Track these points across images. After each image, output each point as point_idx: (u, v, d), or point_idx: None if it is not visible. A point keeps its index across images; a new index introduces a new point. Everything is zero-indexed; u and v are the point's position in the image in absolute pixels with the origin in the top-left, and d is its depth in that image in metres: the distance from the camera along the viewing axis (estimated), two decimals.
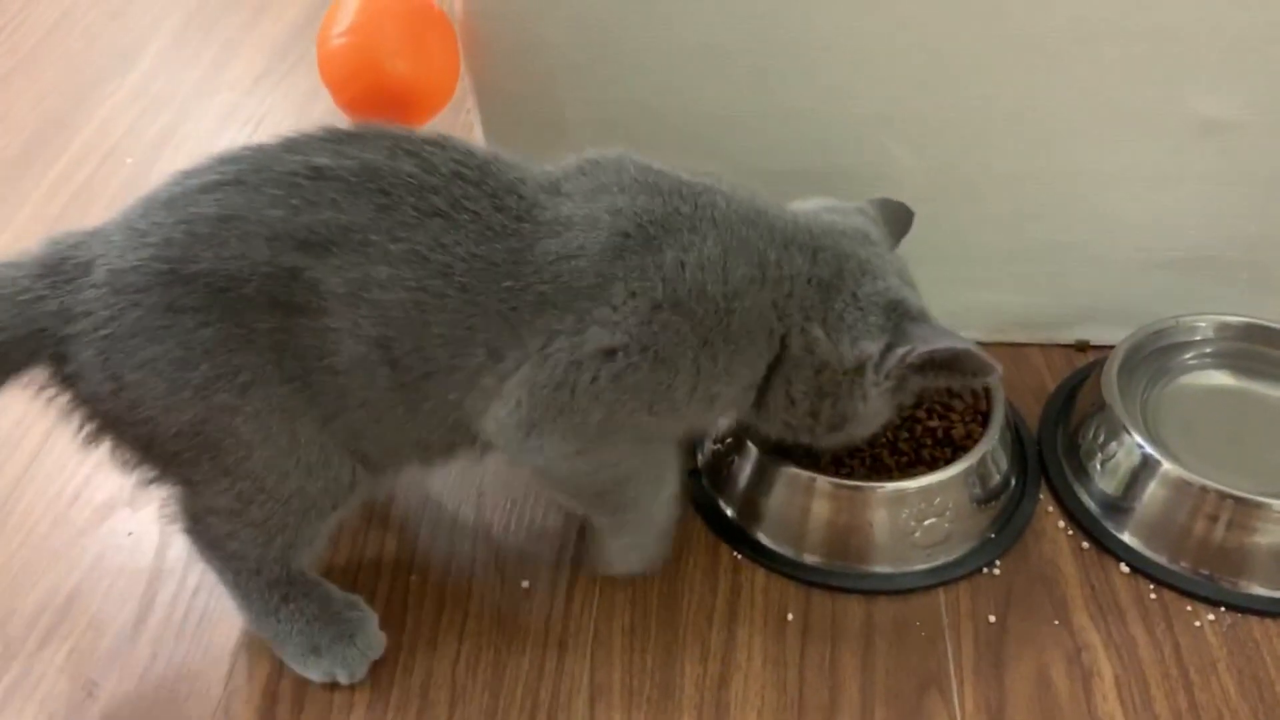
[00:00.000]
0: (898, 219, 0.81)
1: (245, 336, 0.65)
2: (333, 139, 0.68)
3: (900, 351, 0.69)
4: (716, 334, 0.68)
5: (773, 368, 0.72)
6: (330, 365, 0.67)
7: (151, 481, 0.71)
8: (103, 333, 0.65)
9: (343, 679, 0.74)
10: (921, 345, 0.69)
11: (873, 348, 0.70)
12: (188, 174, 0.68)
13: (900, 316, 0.70)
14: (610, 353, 0.67)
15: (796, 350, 0.71)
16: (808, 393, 0.72)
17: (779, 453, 0.82)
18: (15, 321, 0.65)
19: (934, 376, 0.71)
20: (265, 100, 1.38)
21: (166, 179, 0.69)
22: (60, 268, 0.66)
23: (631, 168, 0.71)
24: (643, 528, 0.78)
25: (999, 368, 0.69)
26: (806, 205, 0.77)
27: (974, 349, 0.69)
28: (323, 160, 0.66)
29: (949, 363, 0.70)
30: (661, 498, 0.77)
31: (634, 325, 0.66)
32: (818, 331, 0.70)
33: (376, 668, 0.76)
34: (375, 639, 0.76)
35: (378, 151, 0.67)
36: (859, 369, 0.71)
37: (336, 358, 0.66)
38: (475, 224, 0.66)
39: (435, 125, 0.94)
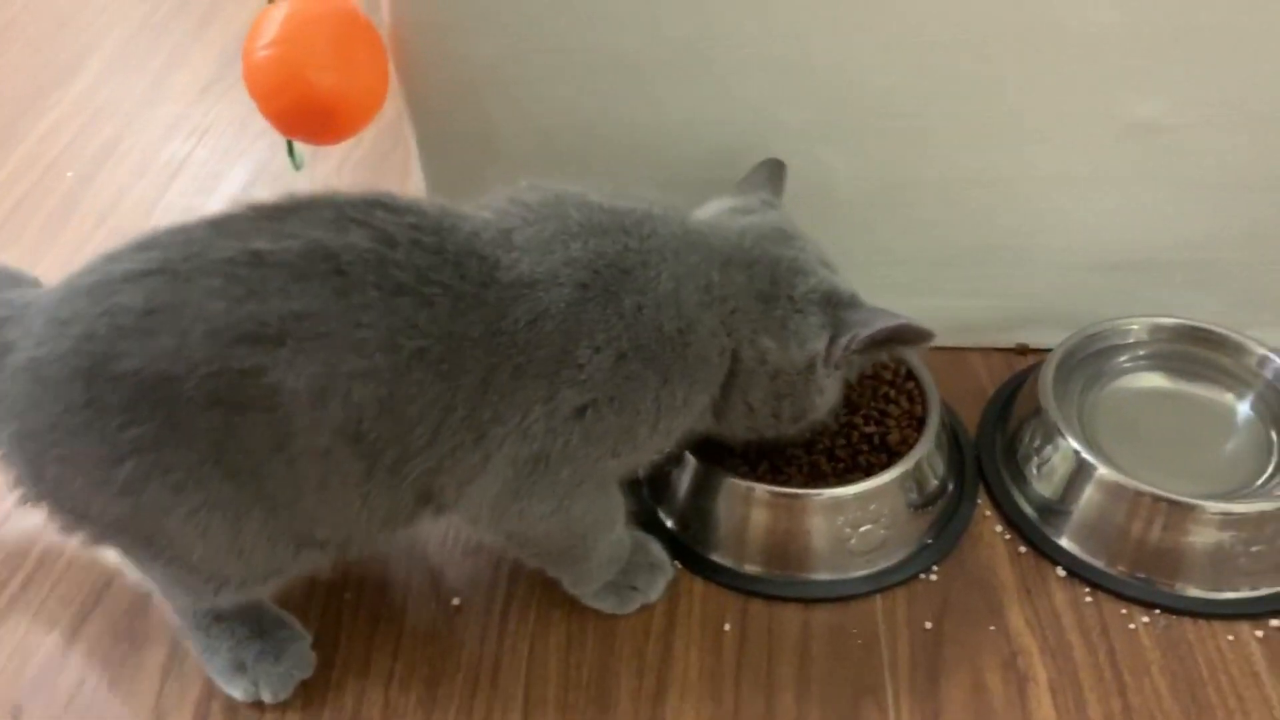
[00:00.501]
0: (775, 176, 0.83)
1: (179, 436, 0.60)
2: (266, 216, 0.63)
3: (843, 341, 0.72)
4: (675, 369, 0.69)
5: (727, 383, 0.73)
6: (286, 459, 0.62)
7: (92, 544, 0.69)
8: (20, 423, 0.62)
9: (266, 698, 0.73)
10: (862, 330, 0.71)
11: (819, 345, 0.72)
12: (110, 258, 0.63)
13: (835, 306, 0.73)
14: (581, 410, 0.66)
15: (749, 363, 0.72)
16: (766, 399, 0.74)
17: (715, 460, 0.82)
18: None
19: (877, 352, 0.75)
20: (211, 110, 1.37)
21: (90, 262, 0.64)
22: None
23: (573, 209, 0.69)
24: (599, 573, 0.78)
25: (934, 333, 0.71)
26: (708, 210, 0.77)
27: (908, 321, 0.71)
28: (261, 244, 0.60)
29: (889, 339, 0.72)
30: (610, 540, 0.77)
31: (600, 379, 0.66)
32: (768, 342, 0.72)
33: (308, 687, 0.75)
34: (304, 658, 0.75)
35: (322, 227, 0.61)
36: (810, 366, 0.73)
37: (293, 452, 0.62)
38: (445, 297, 0.62)
39: (367, 136, 0.93)
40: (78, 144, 1.30)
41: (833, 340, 0.72)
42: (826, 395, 0.75)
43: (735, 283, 0.71)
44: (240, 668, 0.73)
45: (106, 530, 0.66)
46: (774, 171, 0.83)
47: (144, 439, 0.60)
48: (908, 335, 0.71)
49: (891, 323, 0.71)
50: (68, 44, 1.49)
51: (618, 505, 0.77)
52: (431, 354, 0.62)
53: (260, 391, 0.60)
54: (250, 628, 0.74)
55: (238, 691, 0.74)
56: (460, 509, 0.70)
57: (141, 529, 0.64)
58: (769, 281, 0.72)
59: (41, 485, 0.64)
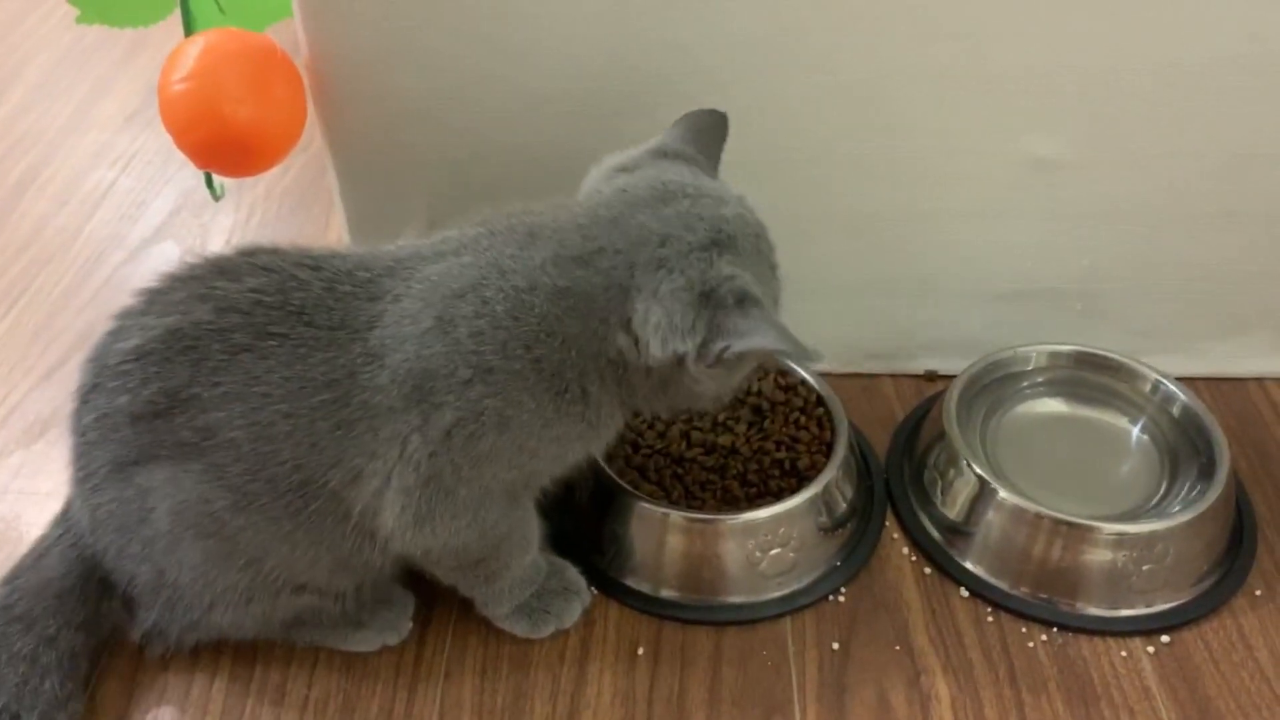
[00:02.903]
0: (711, 129, 0.77)
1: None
2: (143, 308, 0.71)
3: (716, 348, 0.65)
4: (536, 380, 0.68)
5: (619, 376, 0.70)
6: (230, 507, 0.69)
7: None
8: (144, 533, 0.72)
9: None
10: (737, 343, 0.65)
11: (685, 346, 0.66)
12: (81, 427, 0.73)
13: (714, 309, 0.65)
14: (449, 432, 0.67)
15: (616, 359, 0.68)
16: (654, 391, 0.70)
17: (631, 486, 0.84)
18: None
19: (761, 359, 0.69)
20: (137, 138, 1.37)
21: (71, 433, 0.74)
22: (86, 587, 0.76)
23: (428, 243, 0.71)
24: (512, 593, 0.79)
25: (821, 355, 0.65)
26: (601, 170, 0.74)
27: (787, 347, 0.65)
28: (135, 340, 0.70)
29: (768, 355, 0.67)
30: (525, 561, 0.78)
31: (455, 401, 0.67)
32: (622, 340, 0.67)
33: (224, 715, 0.76)
34: None
35: (174, 311, 0.70)
36: (679, 363, 0.67)
37: (224, 504, 0.69)
38: (282, 347, 0.68)
39: (294, 164, 0.93)
40: None
41: (705, 344, 0.65)
42: (712, 385, 0.70)
43: (576, 278, 0.67)
44: None
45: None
46: (703, 122, 0.76)
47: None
48: (787, 358, 0.68)
49: (771, 345, 0.65)
50: None
51: (533, 525, 0.78)
52: (274, 397, 0.67)
53: (177, 451, 0.69)
54: None
55: None
56: (385, 531, 0.71)
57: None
58: (624, 271, 0.67)
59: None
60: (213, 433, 0.68)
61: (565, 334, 0.67)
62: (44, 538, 0.79)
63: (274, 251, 0.71)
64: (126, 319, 0.72)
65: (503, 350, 0.67)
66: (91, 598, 0.76)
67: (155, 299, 0.71)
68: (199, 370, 0.68)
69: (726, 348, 0.65)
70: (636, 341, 0.67)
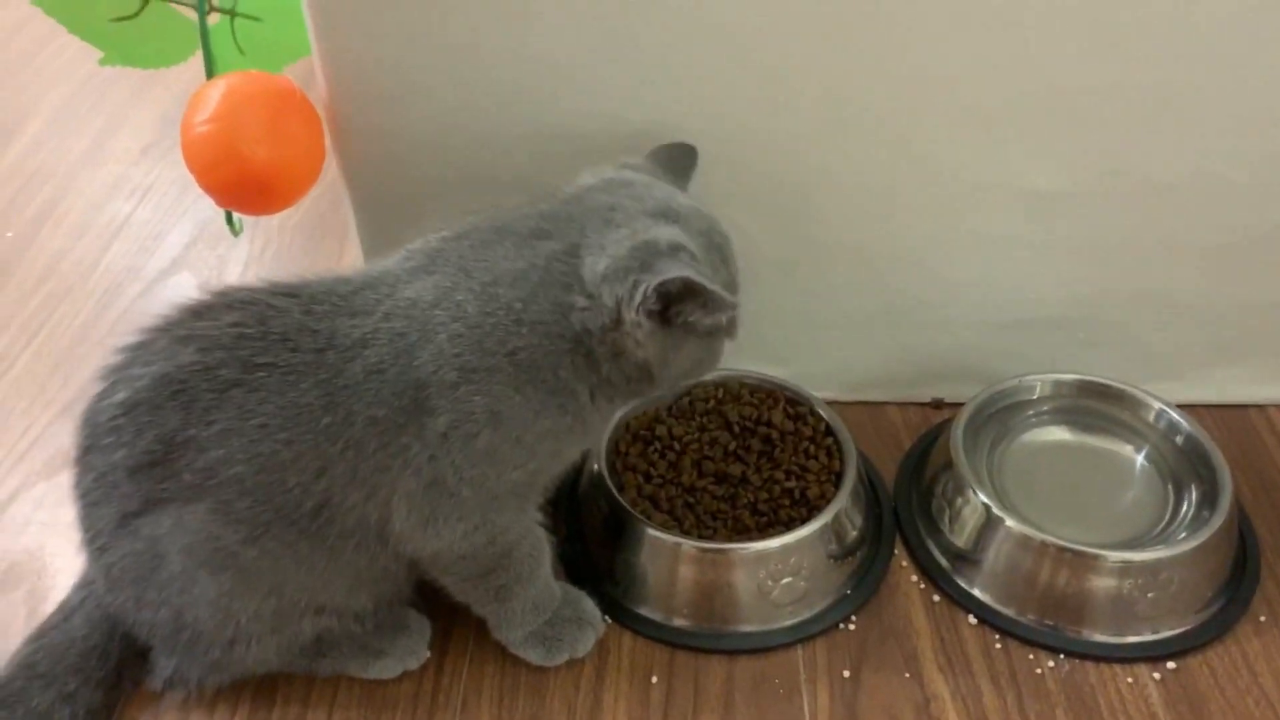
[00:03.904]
0: (679, 160, 0.81)
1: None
2: (127, 363, 0.72)
3: (643, 285, 0.67)
4: (515, 374, 0.69)
5: (587, 355, 0.71)
6: (243, 540, 0.70)
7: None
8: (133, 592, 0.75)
9: None
10: (656, 277, 0.67)
11: (621, 289, 0.68)
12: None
13: (649, 254, 0.68)
14: (445, 434, 0.69)
15: (579, 328, 0.70)
16: (612, 364, 0.71)
17: (643, 515, 0.85)
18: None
19: (693, 310, 0.69)
20: (152, 170, 1.39)
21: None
22: (110, 644, 0.78)
23: (401, 259, 0.74)
24: (525, 617, 0.80)
25: (734, 303, 0.69)
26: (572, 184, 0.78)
27: (705, 283, 0.67)
28: (122, 394, 0.70)
29: (685, 293, 0.68)
30: (537, 579, 0.79)
31: (448, 403, 0.69)
32: (580, 302, 0.69)
33: None
34: None
35: (160, 358, 0.70)
36: (619, 318, 0.69)
37: (236, 539, 0.70)
38: (271, 376, 0.69)
39: (307, 198, 0.95)
40: (16, 205, 1.31)
41: (635, 285, 0.67)
42: (654, 351, 0.71)
43: (537, 253, 0.70)
44: None
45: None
46: (671, 153, 0.81)
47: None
48: (700, 293, 0.68)
49: (683, 273, 0.66)
50: (7, 104, 1.50)
51: (541, 540, 0.79)
52: (271, 427, 0.68)
53: (189, 493, 0.69)
54: None
55: None
56: (393, 534, 0.72)
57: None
58: (576, 234, 0.71)
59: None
60: (215, 472, 0.68)
61: (531, 320, 0.69)
62: (67, 600, 0.80)
63: (247, 287, 0.73)
64: (111, 375, 0.72)
65: (479, 348, 0.69)
66: (114, 654, 0.77)
67: (138, 352, 0.72)
68: (190, 412, 0.68)
69: (649, 283, 0.67)
70: (586, 295, 0.69)
